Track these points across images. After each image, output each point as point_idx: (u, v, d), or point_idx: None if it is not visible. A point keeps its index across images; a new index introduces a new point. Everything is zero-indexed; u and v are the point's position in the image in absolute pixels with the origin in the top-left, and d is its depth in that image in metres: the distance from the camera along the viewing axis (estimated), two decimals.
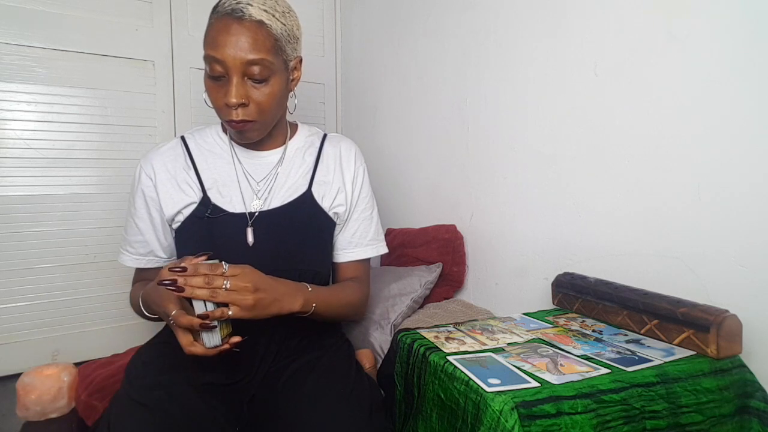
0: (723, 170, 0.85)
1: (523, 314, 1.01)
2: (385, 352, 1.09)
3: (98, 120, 1.68)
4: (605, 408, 0.64)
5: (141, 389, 0.76)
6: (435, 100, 1.58)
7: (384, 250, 1.06)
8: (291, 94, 0.94)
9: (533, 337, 0.86)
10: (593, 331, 0.89)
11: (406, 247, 1.59)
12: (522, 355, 0.77)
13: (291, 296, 0.80)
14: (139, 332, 1.67)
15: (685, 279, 0.90)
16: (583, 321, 0.95)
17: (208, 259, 0.75)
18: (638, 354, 0.77)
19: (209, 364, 0.81)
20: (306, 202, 0.94)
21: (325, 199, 0.96)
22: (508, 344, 0.82)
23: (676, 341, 0.80)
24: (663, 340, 0.83)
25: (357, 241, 1.01)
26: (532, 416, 0.61)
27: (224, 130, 0.98)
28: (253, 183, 0.94)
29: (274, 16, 0.82)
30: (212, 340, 0.74)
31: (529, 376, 0.69)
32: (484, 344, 0.82)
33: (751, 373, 0.77)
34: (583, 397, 0.64)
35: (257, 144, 0.94)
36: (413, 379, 0.81)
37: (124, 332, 1.72)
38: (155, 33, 1.76)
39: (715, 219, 0.86)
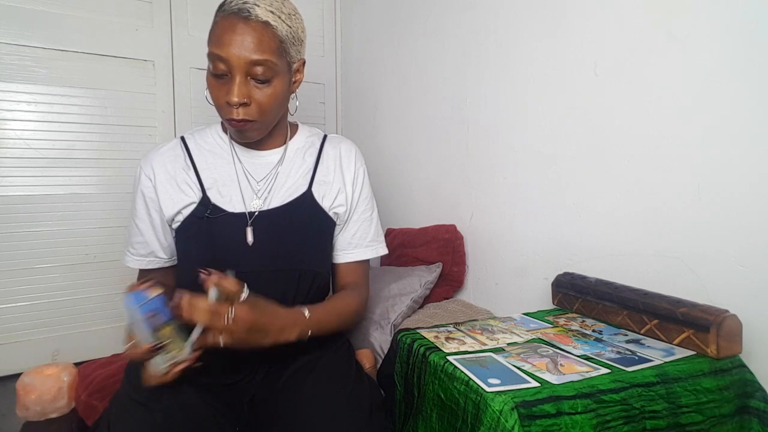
0: (723, 170, 0.85)
1: (523, 314, 1.01)
2: (385, 352, 1.09)
3: (98, 120, 1.68)
4: (605, 408, 0.65)
5: (141, 389, 0.76)
6: (435, 100, 1.57)
7: (384, 251, 1.06)
8: (293, 95, 0.94)
9: (533, 337, 0.86)
10: (593, 331, 0.89)
11: (406, 247, 1.59)
12: (522, 355, 0.77)
13: (288, 330, 0.80)
14: None
15: (685, 279, 0.90)
16: (583, 321, 0.95)
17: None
18: (638, 354, 0.77)
19: (209, 364, 0.81)
20: (306, 202, 0.94)
21: (325, 199, 0.96)
22: (508, 344, 0.82)
23: (676, 341, 0.80)
24: (663, 340, 0.83)
25: (357, 242, 1.01)
26: (532, 416, 0.61)
27: (224, 130, 0.98)
28: (253, 182, 0.94)
29: (280, 17, 0.82)
30: (157, 365, 0.72)
31: (529, 376, 0.69)
32: (484, 344, 0.82)
33: (751, 373, 0.77)
34: (583, 397, 0.64)
35: (257, 143, 0.94)
36: (413, 379, 0.81)
37: (123, 332, 1.72)
38: (155, 33, 1.76)
39: (715, 219, 0.86)
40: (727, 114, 0.84)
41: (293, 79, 0.90)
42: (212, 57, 0.81)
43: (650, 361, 0.74)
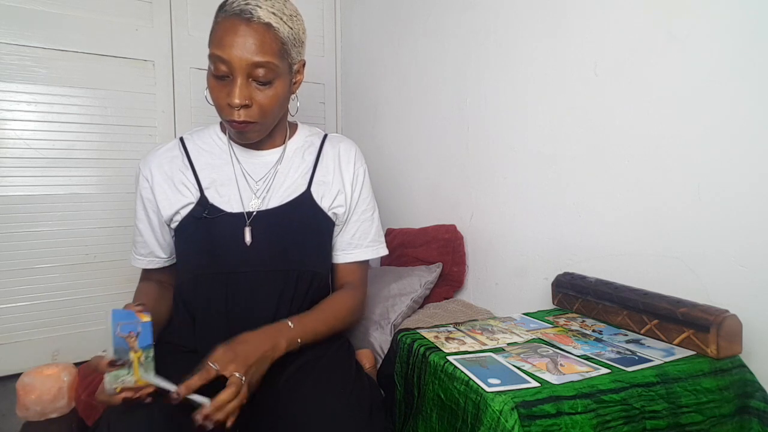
0: (723, 170, 0.85)
1: (523, 314, 1.01)
2: (385, 352, 1.09)
3: (98, 120, 1.68)
4: (605, 408, 0.65)
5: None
6: (435, 100, 1.57)
7: (384, 251, 1.05)
8: (293, 96, 0.94)
9: (533, 337, 0.86)
10: (593, 331, 0.89)
11: (406, 247, 1.59)
12: (522, 355, 0.77)
13: (276, 346, 0.81)
14: None
15: (685, 279, 0.90)
16: (583, 321, 0.95)
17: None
18: (638, 354, 0.77)
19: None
20: (305, 202, 0.94)
21: (324, 199, 0.96)
22: (508, 344, 0.82)
23: (676, 341, 0.80)
24: (663, 340, 0.83)
25: (357, 243, 1.01)
26: (532, 416, 0.61)
27: (223, 130, 0.98)
28: (251, 182, 0.94)
29: (282, 19, 0.82)
30: (109, 383, 0.71)
31: (529, 376, 0.69)
32: (484, 344, 0.82)
33: (751, 373, 0.77)
34: (583, 397, 0.64)
35: (256, 143, 0.94)
36: (413, 379, 0.81)
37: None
38: (155, 33, 1.76)
39: (715, 219, 0.86)
40: (727, 114, 0.84)
41: (293, 80, 0.90)
42: (213, 58, 0.81)
43: (650, 361, 0.74)
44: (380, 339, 1.18)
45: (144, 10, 1.73)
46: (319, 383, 0.81)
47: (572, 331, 0.89)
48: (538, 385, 0.66)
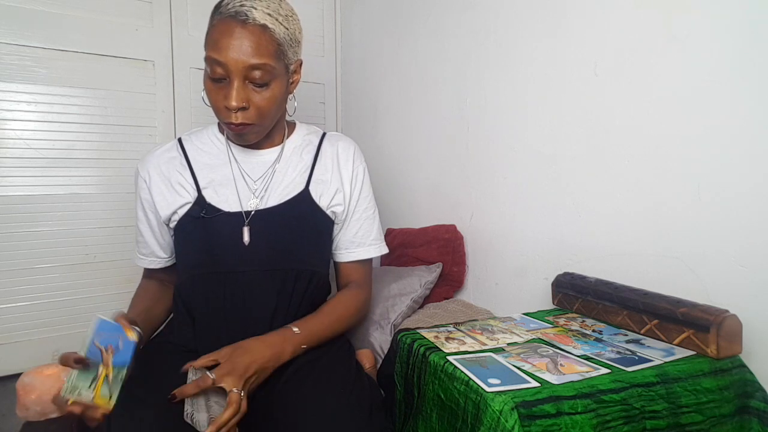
0: (723, 170, 0.85)
1: (523, 314, 1.01)
2: (385, 352, 1.09)
3: (98, 120, 1.68)
4: (605, 408, 0.65)
5: (140, 389, 0.76)
6: (435, 100, 1.57)
7: (385, 250, 1.06)
8: (290, 96, 0.94)
9: (533, 337, 0.86)
10: (593, 331, 0.89)
11: (406, 247, 1.59)
12: (522, 355, 0.77)
13: (281, 353, 0.81)
14: None
15: (685, 279, 0.90)
16: (583, 321, 0.95)
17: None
18: (638, 354, 0.77)
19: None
20: (303, 201, 0.94)
21: (322, 197, 0.96)
22: (508, 344, 0.82)
23: (676, 341, 0.80)
24: (663, 340, 0.83)
25: (359, 241, 1.00)
26: (532, 416, 0.61)
27: (221, 130, 0.98)
28: (250, 182, 0.94)
29: (277, 20, 0.82)
30: (65, 388, 0.69)
31: (529, 376, 0.69)
32: (484, 344, 0.82)
33: (751, 373, 0.77)
34: (583, 397, 0.64)
35: (254, 143, 0.94)
36: (413, 379, 0.81)
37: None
38: (155, 33, 1.76)
39: (715, 219, 0.86)
40: (727, 114, 0.84)
41: (291, 80, 0.90)
42: (210, 61, 0.81)
43: (650, 361, 0.74)
44: (380, 339, 1.18)
45: (144, 10, 1.73)
46: (319, 383, 0.81)
47: (572, 331, 0.89)
48: (538, 385, 0.66)
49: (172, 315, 0.98)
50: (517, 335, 0.87)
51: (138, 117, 1.75)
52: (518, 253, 1.28)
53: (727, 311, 0.77)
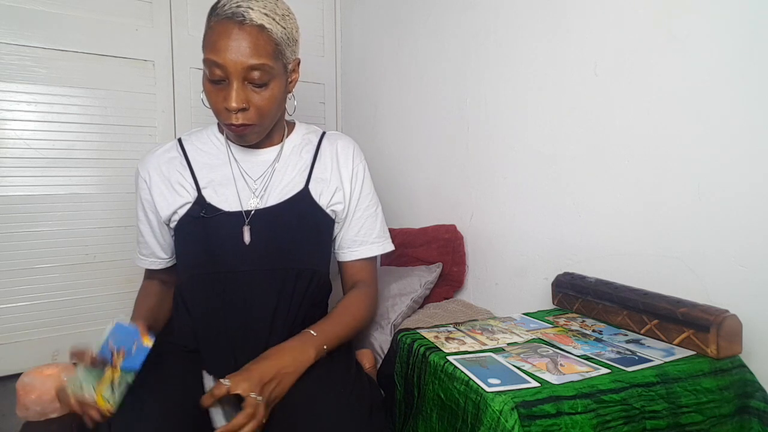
0: (723, 170, 0.85)
1: (523, 314, 1.01)
2: (385, 352, 1.09)
3: (98, 120, 1.68)
4: (605, 408, 0.65)
5: (141, 389, 0.76)
6: (435, 100, 1.57)
7: (390, 247, 1.05)
8: (290, 95, 0.94)
9: (533, 337, 0.86)
10: (593, 331, 0.89)
11: (406, 247, 1.59)
12: (522, 355, 0.77)
13: (302, 358, 0.80)
14: None
15: (685, 279, 0.90)
16: (583, 321, 0.95)
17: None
18: (638, 354, 0.77)
19: (211, 364, 0.81)
20: (303, 200, 0.94)
21: (322, 196, 0.96)
22: (508, 344, 0.82)
23: (676, 341, 0.80)
24: (663, 340, 0.83)
25: (362, 239, 1.00)
26: (532, 416, 0.61)
27: (221, 130, 0.98)
28: (249, 181, 0.94)
29: (274, 19, 0.82)
30: (70, 384, 0.70)
31: (529, 376, 0.69)
32: (484, 344, 0.82)
33: (751, 373, 0.77)
34: (583, 397, 0.64)
35: (254, 143, 0.94)
36: (413, 379, 0.81)
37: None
38: (155, 33, 1.76)
39: (715, 219, 0.86)
40: (727, 114, 0.84)
41: (289, 79, 0.90)
42: (208, 63, 0.81)
43: (650, 361, 0.74)
44: (380, 339, 1.18)
45: (144, 10, 1.73)
46: (319, 383, 0.81)
47: (572, 331, 0.89)
48: (538, 385, 0.66)
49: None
50: (517, 335, 0.87)
51: (138, 117, 1.75)
52: (518, 253, 1.28)
53: (727, 311, 0.77)
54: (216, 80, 0.82)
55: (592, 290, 0.97)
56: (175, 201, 0.93)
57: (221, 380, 0.72)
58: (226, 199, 0.92)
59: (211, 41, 0.80)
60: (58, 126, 1.62)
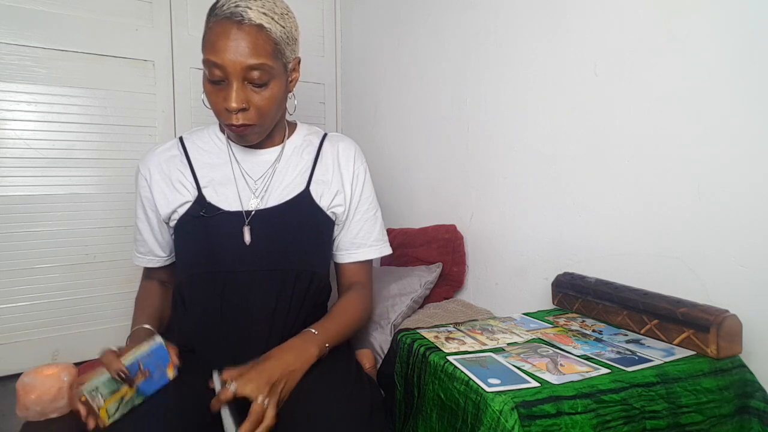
0: (723, 170, 0.85)
1: (523, 314, 1.01)
2: (385, 352, 1.09)
3: (98, 120, 1.68)
4: (605, 408, 0.65)
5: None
6: (435, 100, 1.57)
7: (388, 250, 1.05)
8: (290, 95, 0.93)
9: (533, 337, 0.86)
10: (593, 331, 0.89)
11: (406, 247, 1.59)
12: (522, 355, 0.77)
13: (304, 356, 0.81)
14: None
15: (685, 279, 0.90)
16: (583, 321, 0.95)
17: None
18: (638, 354, 0.77)
19: (210, 364, 0.81)
20: (303, 201, 0.94)
21: (323, 198, 0.96)
22: (508, 344, 0.82)
23: (676, 341, 0.80)
24: (663, 340, 0.83)
25: (360, 242, 1.00)
26: (532, 416, 0.61)
27: (222, 130, 0.98)
28: (250, 181, 0.94)
29: (273, 19, 0.81)
30: (84, 388, 0.69)
31: (529, 376, 0.69)
32: (484, 344, 0.82)
33: (751, 373, 0.77)
34: (583, 397, 0.64)
35: (255, 143, 0.94)
36: (413, 379, 0.81)
37: (124, 332, 1.70)
38: (155, 33, 1.76)
39: (715, 219, 0.86)
40: (727, 114, 0.84)
41: (289, 79, 0.90)
42: (208, 63, 0.81)
43: (650, 361, 0.74)
44: (380, 339, 1.18)
45: (144, 10, 1.74)
46: (318, 383, 0.81)
47: (572, 331, 0.89)
48: (538, 385, 0.66)
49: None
50: (517, 335, 0.87)
51: (138, 117, 1.75)
52: (518, 253, 1.28)
53: (727, 311, 0.77)
54: (216, 80, 0.81)
55: (592, 290, 0.97)
56: (176, 199, 0.93)
57: (226, 384, 0.72)
58: (226, 198, 0.92)
59: (210, 42, 0.80)
60: (58, 126, 1.62)
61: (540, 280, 1.21)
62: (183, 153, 0.96)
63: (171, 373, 0.75)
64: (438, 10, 1.54)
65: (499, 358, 0.76)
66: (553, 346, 0.81)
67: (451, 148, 1.51)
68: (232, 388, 0.71)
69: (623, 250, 1.02)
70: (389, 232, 1.67)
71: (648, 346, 0.81)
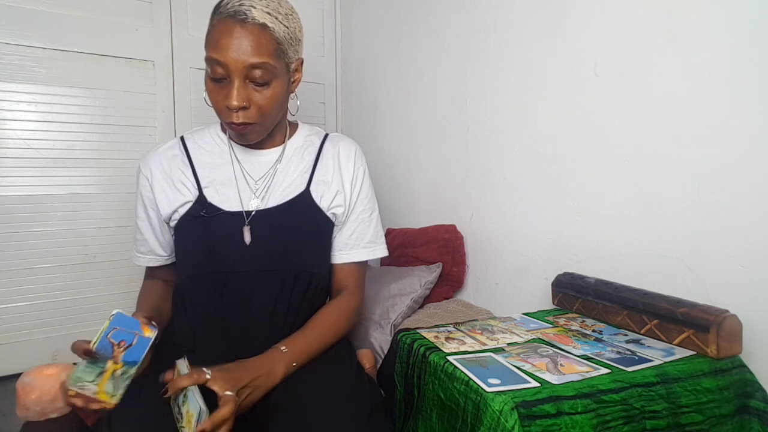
0: (723, 170, 0.85)
1: (523, 314, 1.01)
2: (385, 352, 1.09)
3: (98, 120, 1.68)
4: (605, 408, 0.65)
5: (141, 388, 0.76)
6: (435, 100, 1.58)
7: (382, 252, 1.05)
8: (293, 95, 0.93)
9: (533, 337, 0.86)
10: (593, 331, 0.89)
11: (406, 247, 1.59)
12: (522, 355, 0.77)
13: (268, 376, 0.79)
14: None
15: (685, 279, 0.90)
16: (583, 321, 0.95)
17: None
18: (638, 354, 0.77)
19: (210, 364, 0.81)
20: (304, 202, 0.94)
21: (323, 198, 0.96)
22: (508, 344, 0.82)
23: (676, 341, 0.80)
24: (663, 340, 0.83)
25: (353, 243, 1.00)
26: (532, 416, 0.61)
27: (223, 130, 0.98)
28: (251, 182, 0.94)
29: (277, 18, 0.81)
30: (72, 378, 0.68)
31: (529, 376, 0.69)
32: (484, 344, 0.82)
33: (751, 373, 0.77)
34: (583, 397, 0.64)
35: (256, 143, 0.94)
36: (413, 379, 0.81)
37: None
38: (155, 33, 1.76)
39: (715, 219, 0.86)
40: (727, 114, 0.84)
41: (292, 79, 0.90)
42: (210, 61, 0.81)
43: (650, 361, 0.74)
44: (380, 339, 1.18)
45: (144, 10, 1.74)
46: (319, 383, 0.81)
47: (572, 331, 0.89)
48: (538, 385, 0.66)
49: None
50: (517, 335, 0.87)
51: (138, 117, 1.75)
52: (518, 253, 1.28)
53: (727, 311, 0.77)
54: (217, 78, 0.82)
55: (592, 290, 0.97)
56: (177, 199, 0.93)
57: (204, 369, 0.71)
58: (227, 198, 0.92)
59: (213, 39, 0.80)
60: (58, 126, 1.62)
61: (540, 280, 1.21)
62: (184, 153, 0.96)
63: (148, 332, 0.72)
64: (438, 10, 1.54)
65: (499, 358, 0.76)
66: (553, 346, 0.81)
67: (451, 148, 1.51)
68: (209, 375, 0.70)
69: (623, 250, 1.02)
70: (389, 232, 1.68)
71: (648, 346, 0.81)
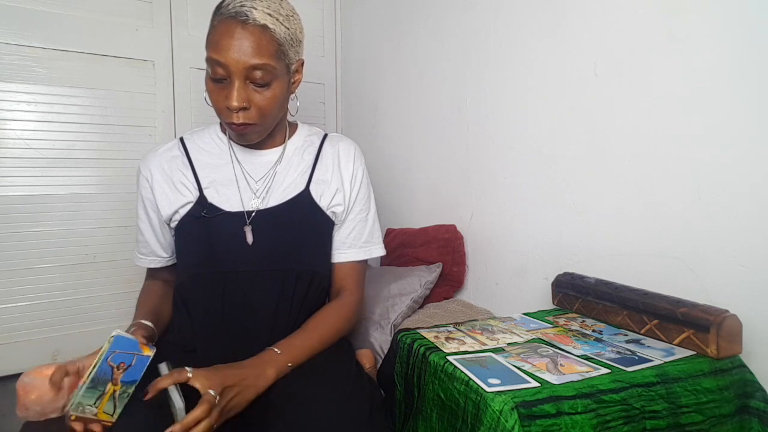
0: (723, 170, 0.85)
1: (523, 314, 1.01)
2: (385, 352, 1.09)
3: (98, 120, 1.68)
4: (605, 408, 0.65)
5: (141, 388, 0.76)
6: (435, 100, 1.58)
7: (379, 252, 1.04)
8: (293, 96, 0.94)
9: (533, 337, 0.86)
10: (593, 331, 0.89)
11: (406, 247, 1.59)
12: (522, 355, 0.77)
13: (257, 377, 0.78)
14: None
15: (685, 279, 0.91)
16: (583, 321, 0.95)
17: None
18: (638, 354, 0.77)
19: (211, 364, 0.81)
20: (304, 201, 0.94)
21: (323, 198, 0.96)
22: (508, 344, 0.82)
23: (676, 341, 0.80)
24: (663, 340, 0.83)
25: (351, 242, 1.00)
26: (532, 416, 0.61)
27: (223, 130, 0.98)
28: (251, 182, 0.94)
29: (278, 20, 0.82)
30: (72, 401, 0.68)
31: (529, 376, 0.69)
32: (484, 344, 0.82)
33: (751, 373, 0.77)
34: (583, 397, 0.64)
35: (256, 143, 0.94)
36: (413, 379, 0.81)
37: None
38: (155, 33, 1.76)
39: (715, 219, 0.86)
40: (727, 114, 0.84)
41: (292, 80, 0.90)
42: (210, 62, 0.81)
43: (650, 361, 0.74)
44: (380, 339, 1.18)
45: (144, 10, 1.74)
46: (318, 383, 0.81)
47: (572, 331, 0.89)
48: (538, 385, 0.66)
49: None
50: (517, 335, 0.87)
51: (138, 117, 1.75)
52: (518, 253, 1.28)
53: (727, 311, 0.77)
54: (218, 79, 0.82)
55: (592, 290, 0.97)
56: (177, 200, 0.93)
57: (186, 369, 0.71)
58: (227, 199, 0.92)
59: (213, 40, 0.81)
60: (58, 126, 1.63)
61: (540, 280, 1.21)
62: (184, 154, 0.96)
63: (147, 351, 0.73)
64: (438, 10, 1.54)
65: (499, 358, 0.76)
66: (553, 346, 0.81)
67: (451, 148, 1.51)
68: (190, 373, 0.70)
69: (623, 250, 1.02)
70: (389, 232, 1.68)
71: (648, 346, 0.81)
